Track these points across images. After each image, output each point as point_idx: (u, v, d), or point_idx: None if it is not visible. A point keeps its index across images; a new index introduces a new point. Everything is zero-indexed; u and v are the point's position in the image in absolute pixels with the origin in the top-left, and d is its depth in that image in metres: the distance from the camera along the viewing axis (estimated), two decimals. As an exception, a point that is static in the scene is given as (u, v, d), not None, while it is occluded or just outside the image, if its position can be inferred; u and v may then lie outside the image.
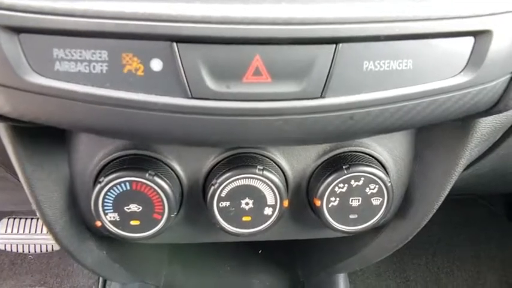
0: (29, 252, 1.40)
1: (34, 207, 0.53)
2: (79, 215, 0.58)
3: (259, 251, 0.93)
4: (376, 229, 0.67)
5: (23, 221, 1.43)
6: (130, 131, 0.40)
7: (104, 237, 0.63)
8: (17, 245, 1.41)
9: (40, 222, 1.38)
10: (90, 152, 0.54)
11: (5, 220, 1.43)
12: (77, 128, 0.47)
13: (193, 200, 0.57)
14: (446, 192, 0.61)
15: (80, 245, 0.60)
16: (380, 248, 0.70)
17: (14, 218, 1.43)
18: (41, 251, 1.43)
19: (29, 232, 1.42)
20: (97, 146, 0.53)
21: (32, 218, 1.43)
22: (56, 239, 0.57)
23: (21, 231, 1.42)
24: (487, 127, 0.55)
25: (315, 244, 0.81)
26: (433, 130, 0.58)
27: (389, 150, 0.59)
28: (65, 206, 0.55)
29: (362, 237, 0.70)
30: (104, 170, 0.53)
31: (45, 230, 1.44)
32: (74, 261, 0.63)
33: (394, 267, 1.47)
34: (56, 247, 1.43)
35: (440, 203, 0.61)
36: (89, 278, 1.59)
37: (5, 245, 1.41)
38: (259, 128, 0.39)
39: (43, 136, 0.50)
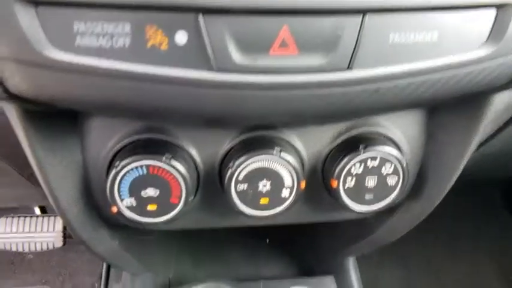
0: (29, 250, 1.38)
1: (47, 194, 0.52)
2: (92, 202, 0.57)
3: (267, 241, 0.92)
4: (389, 210, 0.67)
5: (22, 219, 1.41)
6: (152, 107, 0.39)
7: (116, 227, 0.62)
8: (16, 244, 1.39)
9: (40, 220, 1.36)
10: (103, 137, 0.52)
11: (3, 219, 1.40)
12: (95, 107, 0.45)
13: (209, 184, 0.56)
14: (459, 172, 0.61)
15: (93, 233, 0.59)
16: (392, 229, 0.70)
17: (13, 217, 1.41)
18: (41, 249, 1.41)
19: (29, 231, 1.40)
20: (110, 131, 0.52)
21: (31, 216, 1.41)
22: (70, 227, 0.56)
23: (20, 229, 1.39)
24: (501, 103, 0.55)
25: (324, 230, 0.81)
26: (447, 109, 0.58)
27: (403, 131, 0.58)
28: (78, 193, 0.54)
29: (374, 219, 0.70)
30: (118, 155, 0.52)
31: (45, 228, 1.42)
32: (87, 251, 0.61)
33: (396, 258, 1.48)
34: (57, 245, 1.41)
35: (452, 182, 0.61)
36: (91, 276, 1.58)
37: (5, 244, 1.39)
38: (285, 102, 0.39)
39: (55, 120, 0.49)
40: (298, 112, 0.42)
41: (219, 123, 0.50)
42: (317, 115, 0.46)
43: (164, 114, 0.46)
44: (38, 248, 1.40)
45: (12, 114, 0.44)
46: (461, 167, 0.60)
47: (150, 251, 0.77)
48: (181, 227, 0.59)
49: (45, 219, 1.40)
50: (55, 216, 1.41)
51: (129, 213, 0.52)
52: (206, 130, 0.54)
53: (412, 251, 1.52)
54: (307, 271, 0.83)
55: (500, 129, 0.65)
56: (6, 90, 0.38)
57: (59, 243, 1.41)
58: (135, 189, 0.51)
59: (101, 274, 1.64)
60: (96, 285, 1.52)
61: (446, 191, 0.63)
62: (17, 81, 0.37)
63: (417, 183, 0.63)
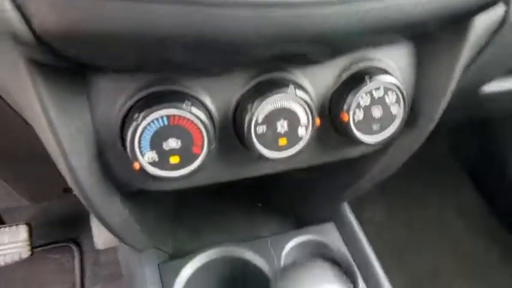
0: (-5, 264, 1.27)
1: (60, 159, 0.49)
2: (105, 167, 0.54)
3: (259, 205, 0.93)
4: (382, 148, 0.70)
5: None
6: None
7: (127, 195, 0.60)
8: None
9: (4, 231, 1.26)
10: (114, 95, 0.50)
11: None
12: (128, 45, 0.42)
13: (225, 133, 0.56)
14: (446, 99, 0.66)
15: (107, 202, 0.56)
16: (386, 166, 0.73)
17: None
18: (5, 263, 1.30)
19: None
20: (120, 87, 0.50)
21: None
22: (83, 195, 0.52)
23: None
24: (481, 28, 0.61)
25: (318, 180, 0.83)
26: (432, 40, 0.62)
27: (396, 63, 0.62)
28: (91, 156, 0.51)
29: (368, 158, 0.73)
30: (133, 110, 0.50)
31: (6, 239, 1.31)
32: (100, 222, 0.58)
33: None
34: (24, 255, 1.31)
35: (442, 108, 0.66)
36: (62, 285, 1.49)
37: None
38: (306, 23, 0.40)
39: (63, 77, 0.46)
40: (332, 33, 0.43)
41: (232, 56, 0.49)
42: (336, 38, 0.47)
43: (177, 49, 0.44)
44: (2, 263, 1.30)
45: (21, 67, 0.41)
46: (449, 94, 0.65)
47: (153, 225, 0.74)
48: (201, 182, 0.58)
49: (6, 229, 1.30)
50: (17, 225, 1.31)
51: (151, 169, 0.50)
52: (218, 78, 0.53)
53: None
54: (305, 224, 0.85)
55: (474, 60, 0.71)
56: (32, 31, 0.35)
57: (25, 253, 1.31)
58: (156, 142, 0.49)
59: (74, 283, 1.56)
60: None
61: (435, 122, 0.68)
62: (44, 13, 0.34)
63: (410, 116, 0.67)
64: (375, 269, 0.78)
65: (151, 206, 0.73)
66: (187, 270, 0.76)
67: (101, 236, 1.54)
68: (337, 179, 0.78)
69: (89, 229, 1.57)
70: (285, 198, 0.91)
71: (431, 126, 0.68)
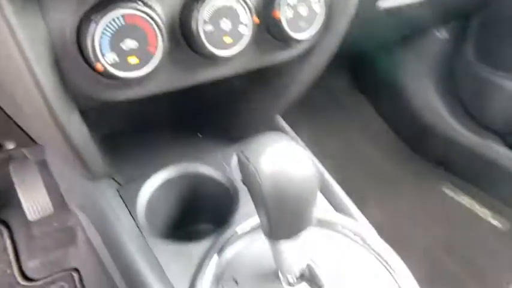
0: None
1: (22, 66, 0.50)
2: (63, 77, 0.55)
3: (199, 135, 0.98)
4: (305, 53, 0.80)
5: None
6: None
7: (85, 112, 0.62)
8: None
9: None
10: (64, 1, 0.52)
11: None
12: None
13: (174, 38, 0.60)
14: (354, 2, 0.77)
15: (68, 113, 0.58)
16: (311, 68, 0.83)
17: None
18: None
19: None
20: None
21: None
22: (47, 104, 0.54)
23: None
24: None
25: (252, 92, 0.91)
26: None
27: None
28: (51, 63, 0.52)
29: (296, 62, 0.81)
30: (87, 13, 0.52)
31: None
32: (63, 139, 0.60)
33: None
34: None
35: (351, 12, 0.77)
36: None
37: None
38: None
39: None
40: None
41: None
42: None
43: None
44: None
45: None
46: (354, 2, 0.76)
47: (109, 151, 0.77)
48: (155, 89, 0.62)
49: None
50: None
51: (113, 70, 0.53)
52: None
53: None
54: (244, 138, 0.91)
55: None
56: None
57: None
58: (114, 42, 0.52)
59: (9, 261, 1.50)
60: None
61: (346, 24, 0.79)
62: None
63: (327, 16, 0.77)
64: (333, 186, 0.87)
65: (105, 129, 0.75)
66: (146, 190, 0.80)
67: (31, 207, 1.48)
68: (271, 87, 0.86)
69: (15, 205, 1.51)
70: (223, 117, 0.97)
71: (343, 29, 0.79)
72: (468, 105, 1.84)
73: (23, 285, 1.43)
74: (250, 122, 0.93)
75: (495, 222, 1.64)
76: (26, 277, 1.45)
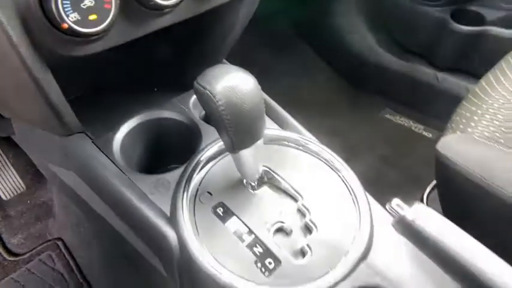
0: None
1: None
2: (31, 36, 0.63)
3: (155, 89, 1.07)
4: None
5: None
6: None
7: (54, 67, 0.71)
8: None
9: None
10: None
11: None
12: None
13: None
14: None
15: (44, 72, 0.67)
16: (247, 11, 0.93)
17: None
18: None
19: None
20: None
21: None
22: (25, 64, 0.63)
23: None
24: None
25: (198, 38, 1.00)
26: None
27: None
28: (22, 24, 0.60)
29: (231, 7, 0.90)
30: None
31: None
32: (40, 96, 0.69)
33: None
34: None
35: None
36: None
37: None
38: None
39: None
40: None
41: None
42: None
43: None
44: None
45: None
46: None
47: (80, 106, 0.85)
48: (114, 42, 0.71)
49: None
50: None
51: (76, 27, 0.62)
52: None
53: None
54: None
55: None
56: None
57: None
58: (75, 3, 0.61)
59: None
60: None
61: None
62: None
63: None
64: (278, 109, 0.98)
65: (72, 92, 0.83)
66: (118, 139, 0.89)
67: (3, 187, 1.54)
68: (216, 31, 0.96)
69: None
70: (175, 69, 1.07)
71: None
72: (396, 35, 2.02)
73: (10, 260, 1.49)
74: (200, 69, 1.04)
75: (427, 134, 1.87)
76: (11, 253, 1.52)
